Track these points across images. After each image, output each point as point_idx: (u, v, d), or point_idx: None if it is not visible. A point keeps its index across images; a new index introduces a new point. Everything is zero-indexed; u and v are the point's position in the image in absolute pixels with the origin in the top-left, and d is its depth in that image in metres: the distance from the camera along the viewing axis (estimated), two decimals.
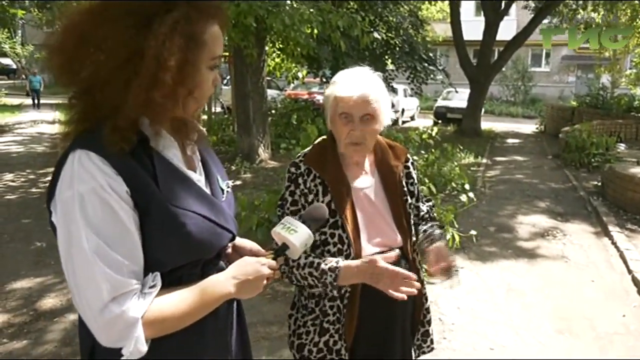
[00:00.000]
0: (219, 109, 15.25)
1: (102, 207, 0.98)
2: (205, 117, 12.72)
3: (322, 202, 1.67)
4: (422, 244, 1.81)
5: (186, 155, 1.20)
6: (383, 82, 1.75)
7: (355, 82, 1.67)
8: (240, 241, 1.39)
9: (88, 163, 1.00)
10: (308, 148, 1.81)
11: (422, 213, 1.93)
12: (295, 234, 1.30)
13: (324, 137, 1.83)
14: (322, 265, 1.61)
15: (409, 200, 1.81)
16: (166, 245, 1.07)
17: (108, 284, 0.97)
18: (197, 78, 1.08)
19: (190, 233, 1.08)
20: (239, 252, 1.35)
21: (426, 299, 1.90)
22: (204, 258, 1.17)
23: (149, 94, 1.02)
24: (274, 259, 1.27)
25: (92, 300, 0.97)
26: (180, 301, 1.07)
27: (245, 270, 1.18)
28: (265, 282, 1.21)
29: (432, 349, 1.95)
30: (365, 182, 1.76)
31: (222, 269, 1.21)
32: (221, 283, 1.14)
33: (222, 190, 1.27)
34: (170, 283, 1.09)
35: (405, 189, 1.82)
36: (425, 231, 1.84)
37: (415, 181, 1.88)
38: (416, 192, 1.88)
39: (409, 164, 1.88)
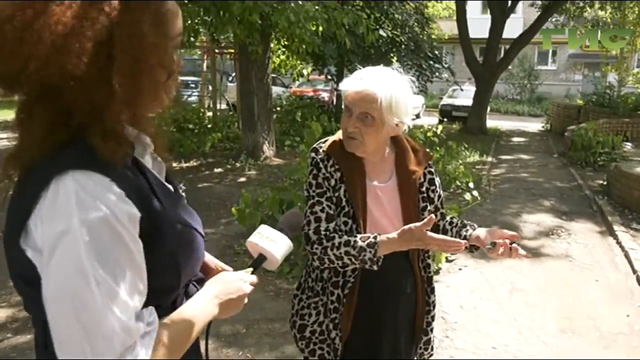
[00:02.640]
0: (224, 106, 15.25)
1: (112, 241, 0.82)
2: (210, 113, 12.76)
3: (339, 187, 1.69)
4: (464, 231, 1.77)
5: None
6: (413, 82, 1.71)
7: (363, 79, 1.63)
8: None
9: (93, 186, 0.82)
10: (332, 137, 1.78)
11: (451, 217, 1.89)
12: (275, 244, 1.23)
13: None
14: (360, 243, 1.61)
15: (428, 207, 1.79)
16: (175, 271, 0.98)
17: (122, 334, 0.82)
18: (172, 57, 0.95)
19: (195, 253, 1.03)
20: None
21: (433, 307, 1.89)
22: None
23: (134, 81, 0.86)
24: (252, 272, 1.19)
25: (102, 356, 0.81)
26: (178, 335, 0.96)
27: (227, 288, 1.10)
28: (245, 300, 1.14)
29: (432, 355, 1.95)
30: (380, 182, 1.75)
31: (200, 280, 1.14)
32: (207, 306, 1.05)
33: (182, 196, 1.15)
34: (165, 308, 1.00)
35: (425, 195, 1.79)
36: (462, 223, 1.82)
37: (438, 188, 1.84)
38: (436, 199, 1.83)
39: (433, 169, 1.85)
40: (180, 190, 1.15)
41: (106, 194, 0.83)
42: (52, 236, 0.80)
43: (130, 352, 0.84)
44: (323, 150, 1.73)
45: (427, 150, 1.89)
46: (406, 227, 1.57)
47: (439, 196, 1.85)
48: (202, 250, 1.10)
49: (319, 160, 1.72)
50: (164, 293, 0.98)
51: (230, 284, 1.12)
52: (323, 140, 1.78)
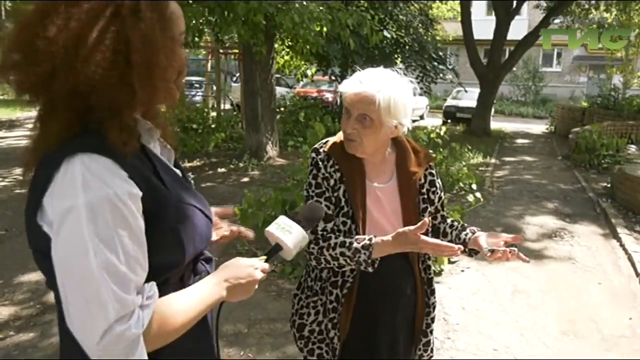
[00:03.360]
0: (227, 106, 15.27)
1: (113, 217, 0.91)
2: (214, 113, 12.78)
3: (339, 188, 1.68)
4: (464, 235, 1.77)
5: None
6: (416, 83, 1.71)
7: (362, 81, 1.62)
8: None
9: (97, 167, 0.92)
10: (333, 137, 1.78)
11: (452, 220, 1.89)
12: (290, 235, 1.27)
13: None
14: (355, 244, 1.61)
15: (429, 208, 1.78)
16: (178, 247, 1.04)
17: (116, 303, 0.89)
18: (181, 56, 1.05)
19: (198, 229, 1.08)
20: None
21: (433, 308, 1.89)
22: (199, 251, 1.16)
23: (151, 82, 0.97)
24: (266, 260, 1.24)
25: (96, 321, 0.89)
26: (178, 312, 1.02)
27: (237, 273, 1.14)
28: (256, 286, 1.18)
29: (431, 356, 1.95)
30: (380, 183, 1.74)
31: (209, 259, 1.20)
32: (214, 288, 1.10)
33: (189, 181, 1.24)
34: (173, 284, 1.07)
35: (425, 196, 1.78)
36: (462, 226, 1.82)
37: (438, 190, 1.83)
38: (437, 200, 1.82)
39: (434, 170, 1.84)
40: (189, 178, 1.23)
41: (110, 175, 0.92)
42: (60, 212, 0.90)
43: (125, 321, 0.91)
44: (324, 151, 1.73)
45: (430, 151, 1.88)
46: (401, 230, 1.56)
47: (440, 198, 1.84)
48: (207, 229, 1.15)
49: (318, 160, 1.72)
50: (170, 268, 1.05)
51: (241, 269, 1.16)
52: (324, 141, 1.78)
